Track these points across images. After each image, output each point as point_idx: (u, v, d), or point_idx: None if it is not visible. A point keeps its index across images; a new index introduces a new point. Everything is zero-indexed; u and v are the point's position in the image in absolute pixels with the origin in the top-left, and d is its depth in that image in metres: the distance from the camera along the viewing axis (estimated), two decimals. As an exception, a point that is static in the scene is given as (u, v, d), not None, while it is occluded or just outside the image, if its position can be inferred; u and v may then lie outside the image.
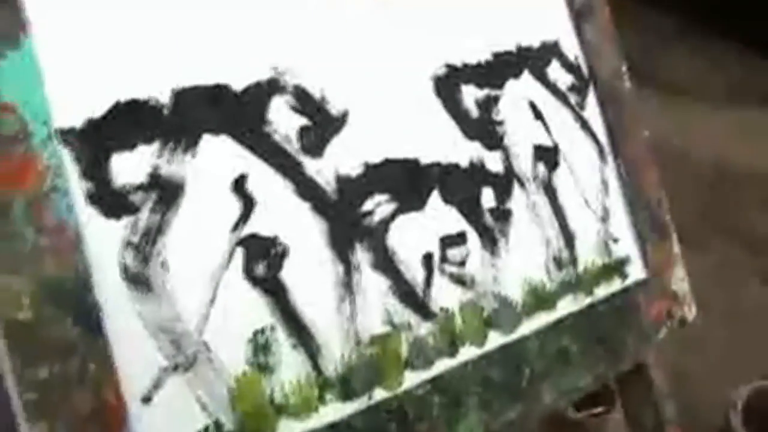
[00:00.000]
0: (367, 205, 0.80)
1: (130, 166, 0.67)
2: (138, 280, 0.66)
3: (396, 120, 0.83)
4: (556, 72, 0.97)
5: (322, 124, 0.78)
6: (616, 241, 0.99)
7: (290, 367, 0.73)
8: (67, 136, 0.65)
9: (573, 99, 0.98)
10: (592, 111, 1.00)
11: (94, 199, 0.65)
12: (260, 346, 0.72)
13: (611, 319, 0.96)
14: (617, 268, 0.98)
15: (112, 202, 0.66)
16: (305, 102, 0.77)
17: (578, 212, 0.96)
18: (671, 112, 2.70)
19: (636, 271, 1.00)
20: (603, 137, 1.00)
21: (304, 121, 0.77)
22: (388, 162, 0.81)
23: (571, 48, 0.99)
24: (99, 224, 0.65)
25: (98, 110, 0.66)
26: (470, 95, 0.89)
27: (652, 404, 1.02)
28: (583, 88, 0.99)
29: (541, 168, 0.93)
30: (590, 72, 1.00)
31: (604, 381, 0.97)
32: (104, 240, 0.65)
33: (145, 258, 0.67)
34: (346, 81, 0.80)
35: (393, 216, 0.81)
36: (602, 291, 0.96)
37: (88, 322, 0.64)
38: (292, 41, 0.77)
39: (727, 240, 2.37)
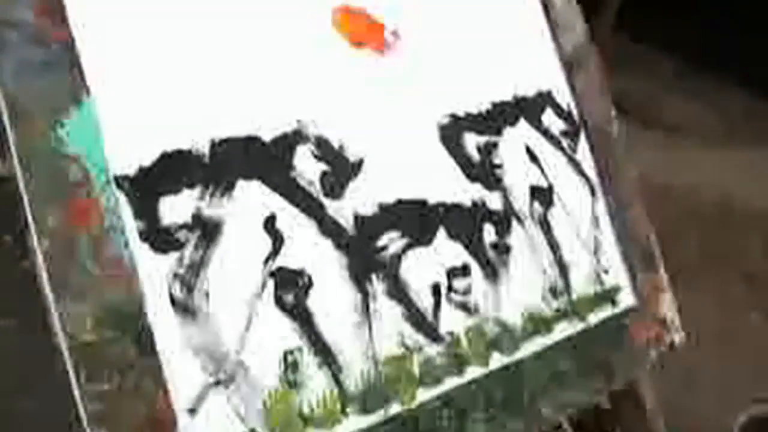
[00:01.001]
0: (382, 241, 0.90)
1: (175, 208, 0.78)
2: (184, 307, 0.76)
3: (406, 164, 0.93)
4: (549, 118, 1.07)
5: (341, 170, 0.88)
6: (606, 271, 1.08)
7: (316, 384, 0.83)
8: (122, 182, 0.75)
9: (565, 143, 1.08)
10: (583, 153, 1.10)
11: (145, 236, 0.76)
12: (290, 365, 0.81)
13: (604, 342, 1.05)
14: (608, 296, 1.08)
15: (160, 239, 0.76)
16: (326, 150, 0.88)
17: (572, 245, 1.05)
18: (675, 152, 2.80)
19: (626, 299, 1.09)
20: (594, 177, 1.10)
21: (325, 167, 0.87)
22: (399, 202, 0.92)
23: (564, 96, 1.10)
24: (150, 258, 0.75)
25: (148, 159, 0.77)
26: (472, 141, 0.99)
27: (644, 422, 1.11)
28: (575, 132, 1.10)
29: (537, 206, 1.03)
30: (581, 118, 1.10)
31: (598, 397, 1.06)
32: (155, 272, 0.76)
33: (190, 288, 0.77)
34: (362, 130, 0.91)
35: (404, 250, 0.91)
36: (595, 317, 1.05)
37: (143, 342, 0.74)
38: (313, 96, 0.88)
39: (728, 276, 2.46)
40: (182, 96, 0.80)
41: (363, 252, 0.88)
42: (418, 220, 0.93)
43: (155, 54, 0.79)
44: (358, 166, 0.90)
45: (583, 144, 1.10)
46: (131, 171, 0.76)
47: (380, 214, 0.90)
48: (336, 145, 0.88)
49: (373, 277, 0.88)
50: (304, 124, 0.87)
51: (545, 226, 1.04)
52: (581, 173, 1.09)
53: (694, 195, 2.59)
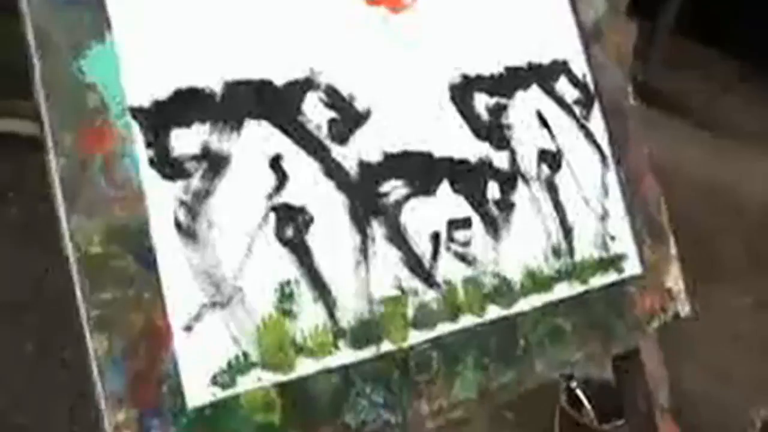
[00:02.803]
0: (384, 187, 0.94)
1: (186, 140, 0.84)
2: (187, 232, 0.82)
3: (414, 119, 0.97)
4: (563, 87, 1.10)
5: (348, 118, 0.93)
6: (613, 238, 1.11)
7: (310, 316, 0.87)
8: (136, 112, 0.81)
9: (578, 111, 1.11)
10: (596, 123, 1.12)
11: (155, 163, 0.82)
12: (285, 294, 0.86)
13: (604, 306, 1.07)
14: (613, 262, 1.10)
15: (169, 167, 0.82)
16: (335, 98, 0.93)
17: (578, 210, 1.08)
18: (725, 153, 2.78)
19: (631, 267, 1.12)
20: (606, 146, 1.13)
21: (333, 113, 0.92)
22: (404, 153, 0.96)
23: (580, 66, 1.12)
24: (158, 184, 0.82)
25: (162, 94, 0.83)
26: (482, 102, 1.03)
27: (645, 391, 1.13)
28: (589, 102, 1.12)
29: (545, 169, 1.07)
30: (596, 88, 1.13)
31: (596, 359, 1.08)
32: (162, 197, 0.82)
33: (194, 214, 0.83)
34: (372, 83, 0.95)
35: (406, 198, 0.95)
36: (597, 281, 1.08)
37: (145, 260, 0.80)
38: (326, 47, 0.93)
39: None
40: (199, 38, 0.86)
41: (365, 196, 0.93)
42: (422, 171, 0.97)
43: (175, -3, 0.86)
44: (365, 115, 0.94)
45: (596, 114, 1.13)
46: (146, 103, 0.82)
47: (384, 162, 0.94)
48: (345, 95, 0.93)
49: (374, 220, 0.93)
50: (315, 72, 0.92)
51: (552, 188, 1.07)
52: (593, 142, 1.12)
53: (738, 194, 2.58)
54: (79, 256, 0.77)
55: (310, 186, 0.90)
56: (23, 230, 1.52)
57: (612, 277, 1.10)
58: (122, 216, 0.79)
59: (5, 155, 1.75)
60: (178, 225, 0.82)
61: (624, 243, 1.12)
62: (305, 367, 0.86)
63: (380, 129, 0.95)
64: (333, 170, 0.91)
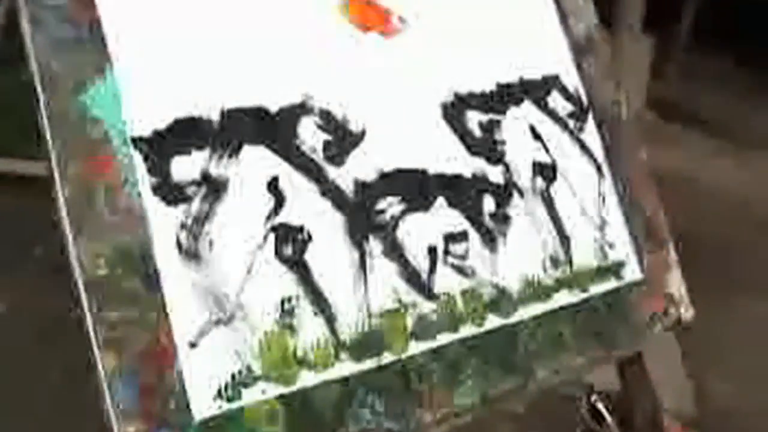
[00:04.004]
0: (380, 205, 0.98)
1: (186, 167, 0.88)
2: (189, 253, 0.87)
3: (407, 138, 1.01)
4: (556, 101, 1.14)
5: (343, 139, 0.97)
6: (612, 246, 1.13)
7: (311, 330, 0.91)
8: (138, 142, 0.86)
9: (572, 123, 1.14)
10: (590, 134, 1.16)
11: (157, 190, 0.86)
12: (286, 310, 0.90)
13: (605, 312, 1.10)
14: (612, 269, 1.13)
15: (170, 193, 0.87)
16: (329, 121, 0.97)
17: (575, 220, 1.11)
18: (747, 164, 2.78)
19: (631, 273, 1.14)
20: (601, 156, 1.16)
21: (327, 136, 0.97)
22: (399, 171, 1.00)
23: (572, 80, 1.16)
24: (160, 209, 0.86)
25: (162, 124, 0.88)
26: (474, 119, 1.07)
27: (651, 397, 1.15)
28: (582, 114, 1.15)
29: (540, 181, 1.10)
30: (589, 100, 1.16)
31: (598, 364, 1.11)
32: (164, 221, 0.86)
33: (195, 236, 0.87)
34: (365, 104, 0.99)
35: (402, 214, 0.99)
36: (597, 288, 1.10)
37: (150, 281, 0.84)
38: (319, 72, 0.98)
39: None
40: (196, 69, 0.91)
41: (362, 214, 0.97)
42: (417, 187, 1.01)
43: (172, 31, 0.91)
44: (360, 136, 0.98)
45: (590, 125, 1.16)
46: (146, 133, 0.87)
47: (380, 180, 0.98)
48: (339, 118, 0.98)
49: (371, 236, 0.97)
50: (309, 97, 0.96)
51: (547, 200, 1.10)
52: (588, 153, 1.15)
53: (763, 204, 2.57)
54: (85, 278, 0.82)
55: (307, 206, 0.94)
56: (50, 264, 1.58)
57: (612, 283, 1.12)
58: (126, 240, 0.84)
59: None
60: (179, 247, 0.86)
61: (623, 250, 1.15)
62: (307, 379, 0.90)
63: (375, 149, 0.99)
64: (330, 190, 0.95)
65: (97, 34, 0.87)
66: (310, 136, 0.96)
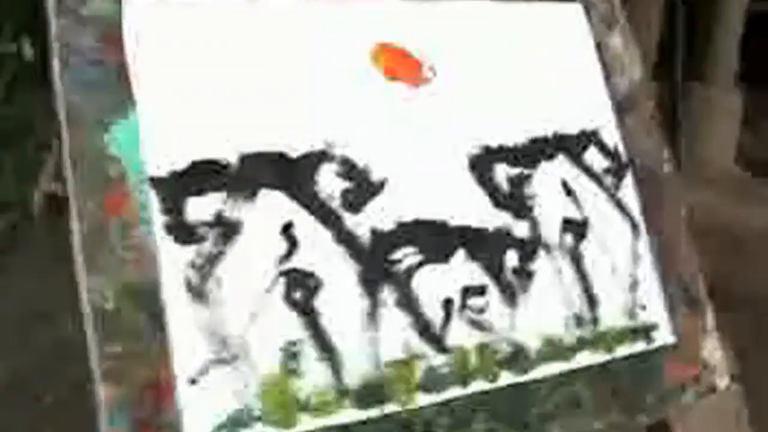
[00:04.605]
0: (396, 255, 0.98)
1: (200, 208, 0.91)
2: (197, 292, 0.89)
3: (430, 188, 1.01)
4: (592, 156, 1.12)
5: (362, 188, 0.98)
6: (643, 307, 1.10)
7: (315, 375, 0.92)
8: (155, 182, 0.89)
9: (608, 180, 1.12)
10: (627, 191, 1.13)
11: (170, 229, 0.89)
12: (291, 354, 0.91)
13: (630, 375, 1.06)
14: (642, 332, 1.09)
15: (183, 232, 0.90)
16: (349, 170, 0.98)
17: (605, 279, 1.08)
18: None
19: (662, 337, 1.10)
20: (637, 215, 1.12)
21: (347, 184, 0.98)
22: (418, 222, 1.00)
23: (612, 135, 1.13)
24: (172, 248, 0.89)
25: (180, 165, 0.91)
26: (503, 172, 1.06)
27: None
28: (620, 171, 1.13)
29: (569, 238, 1.08)
30: (629, 157, 1.13)
31: (618, 430, 1.07)
32: (174, 259, 0.89)
33: (205, 276, 0.90)
34: (389, 154, 1.00)
35: (419, 265, 0.99)
36: (624, 350, 1.07)
37: (155, 317, 0.87)
38: (344, 119, 0.99)
39: None
40: (217, 112, 0.94)
41: (377, 263, 0.97)
42: (436, 239, 1.00)
43: (196, 75, 0.94)
44: (380, 186, 0.99)
45: (628, 182, 1.13)
46: (164, 173, 0.90)
47: (398, 230, 0.99)
48: (361, 166, 0.99)
49: (384, 285, 0.97)
50: (330, 144, 0.98)
51: (576, 257, 1.07)
52: (623, 210, 1.12)
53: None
54: (93, 311, 0.85)
55: (321, 252, 0.95)
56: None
57: (640, 346, 1.08)
58: (136, 276, 0.87)
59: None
60: (188, 285, 0.89)
61: (655, 312, 1.11)
62: (308, 424, 0.91)
63: (395, 198, 0.99)
64: (345, 238, 0.96)
65: (122, 76, 0.91)
66: (329, 183, 0.97)
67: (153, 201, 0.89)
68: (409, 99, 1.03)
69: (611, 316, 1.08)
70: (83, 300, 0.85)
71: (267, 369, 0.90)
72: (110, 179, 0.88)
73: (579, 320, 1.06)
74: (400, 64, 1.03)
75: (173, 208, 0.90)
